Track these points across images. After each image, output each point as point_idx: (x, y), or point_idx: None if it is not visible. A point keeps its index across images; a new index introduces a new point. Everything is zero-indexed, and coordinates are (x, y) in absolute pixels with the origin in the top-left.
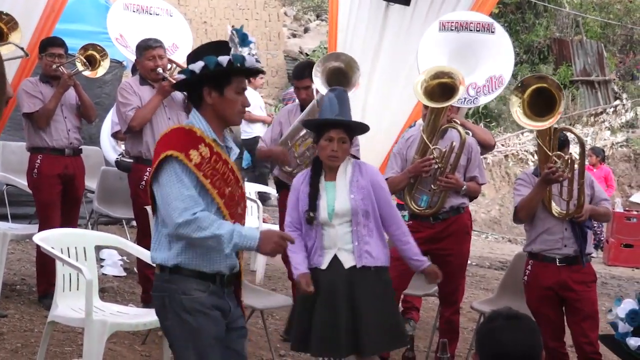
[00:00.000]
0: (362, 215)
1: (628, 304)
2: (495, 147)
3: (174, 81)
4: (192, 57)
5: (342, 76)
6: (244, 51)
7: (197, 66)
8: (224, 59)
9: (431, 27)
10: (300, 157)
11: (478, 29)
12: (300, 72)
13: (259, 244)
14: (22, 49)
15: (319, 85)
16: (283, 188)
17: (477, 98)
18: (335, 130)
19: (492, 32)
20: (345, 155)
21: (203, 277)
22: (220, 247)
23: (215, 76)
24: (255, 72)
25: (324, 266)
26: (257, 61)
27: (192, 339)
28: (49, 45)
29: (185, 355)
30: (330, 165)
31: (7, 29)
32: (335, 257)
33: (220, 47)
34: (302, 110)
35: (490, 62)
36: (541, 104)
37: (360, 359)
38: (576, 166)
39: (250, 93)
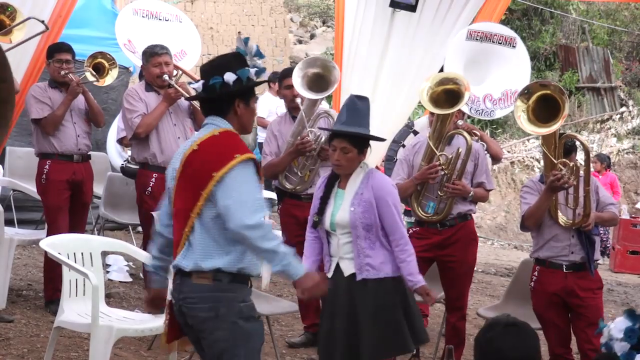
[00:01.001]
0: (363, 228)
1: (620, 323)
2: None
3: (180, 88)
4: (214, 69)
5: (321, 79)
6: (260, 63)
7: (230, 78)
8: (253, 73)
9: (459, 34)
10: (301, 169)
11: (500, 42)
12: (287, 71)
13: (300, 279)
14: (42, 22)
15: (300, 89)
16: (284, 197)
17: (493, 111)
18: (337, 140)
19: (514, 46)
20: (351, 165)
21: (250, 282)
22: (270, 262)
23: (246, 89)
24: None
25: (330, 274)
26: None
27: (244, 344)
28: (57, 51)
29: None
30: (338, 174)
31: (10, 20)
32: (337, 266)
33: (240, 60)
34: (291, 117)
35: (507, 76)
36: (546, 110)
37: None
38: (581, 173)
39: (270, 99)
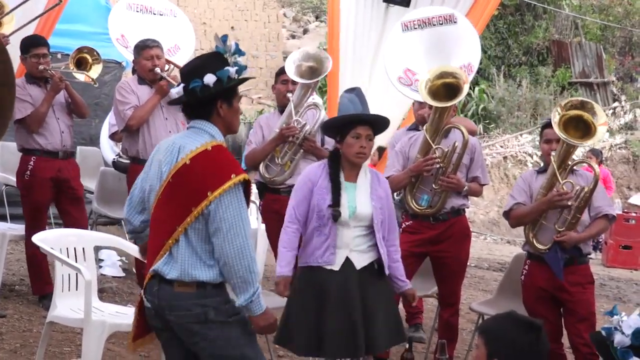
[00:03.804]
0: (380, 224)
1: (634, 320)
2: (494, 148)
3: (172, 81)
4: (193, 72)
5: (313, 72)
6: (241, 60)
7: (210, 80)
8: (233, 72)
9: (394, 29)
10: (282, 157)
11: (441, 22)
12: (284, 68)
13: (259, 315)
14: None
15: (292, 76)
16: (265, 192)
17: None
18: (362, 127)
19: (455, 22)
20: (369, 154)
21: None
22: (240, 293)
23: (228, 89)
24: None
25: (336, 267)
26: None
27: (242, 335)
28: (32, 45)
29: (244, 353)
30: (356, 163)
31: None
32: (347, 259)
33: (220, 59)
34: (279, 112)
35: (458, 52)
36: (578, 124)
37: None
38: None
39: None
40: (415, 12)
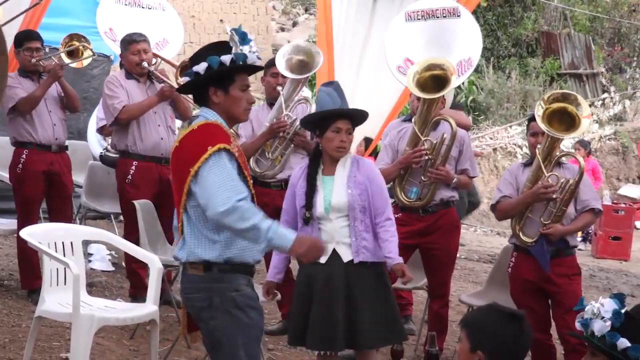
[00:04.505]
0: (359, 211)
1: (609, 304)
2: (484, 140)
3: (160, 75)
4: (195, 59)
5: (304, 66)
6: (245, 49)
7: (201, 67)
8: (226, 58)
9: (397, 18)
10: (273, 152)
11: (445, 15)
12: (274, 60)
13: (292, 245)
14: None
15: (283, 71)
16: (255, 185)
17: None
18: (342, 121)
19: (458, 16)
20: (349, 147)
21: (246, 270)
22: (256, 240)
23: (220, 76)
24: (257, 68)
25: (323, 260)
26: (259, 58)
27: (241, 334)
28: (26, 39)
29: (235, 353)
30: (337, 157)
31: None
32: (334, 251)
33: (222, 47)
34: (269, 105)
35: (459, 46)
36: (563, 118)
37: (357, 352)
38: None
39: None
40: (420, 2)
